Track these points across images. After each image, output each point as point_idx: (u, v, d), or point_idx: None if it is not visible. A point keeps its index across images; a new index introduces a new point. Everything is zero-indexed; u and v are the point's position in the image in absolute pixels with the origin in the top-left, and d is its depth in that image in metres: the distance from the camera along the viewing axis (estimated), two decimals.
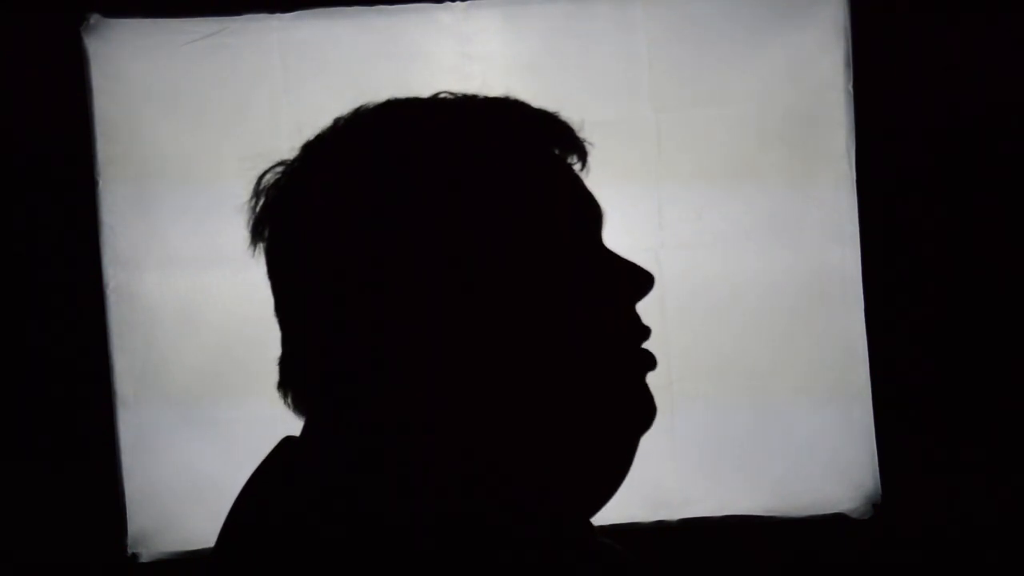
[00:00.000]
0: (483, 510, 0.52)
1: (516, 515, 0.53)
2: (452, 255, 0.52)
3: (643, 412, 0.57)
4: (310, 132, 0.59)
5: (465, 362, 0.52)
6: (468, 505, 0.52)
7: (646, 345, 0.58)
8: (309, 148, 0.58)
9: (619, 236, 0.63)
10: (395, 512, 0.50)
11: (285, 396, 0.57)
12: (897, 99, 1.76)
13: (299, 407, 0.57)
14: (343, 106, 0.59)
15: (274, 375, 0.58)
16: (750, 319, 1.75)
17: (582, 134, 0.60)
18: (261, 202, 0.58)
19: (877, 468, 1.75)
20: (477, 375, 0.52)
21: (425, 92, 0.59)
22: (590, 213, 0.59)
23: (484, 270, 0.53)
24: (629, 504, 1.66)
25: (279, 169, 0.58)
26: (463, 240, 0.53)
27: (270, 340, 0.59)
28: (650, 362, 0.57)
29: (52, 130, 1.71)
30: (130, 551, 1.71)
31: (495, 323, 0.52)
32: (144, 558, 1.72)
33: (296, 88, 1.72)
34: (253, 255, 0.58)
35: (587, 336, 0.54)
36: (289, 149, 0.59)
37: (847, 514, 1.76)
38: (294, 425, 0.58)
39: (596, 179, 0.62)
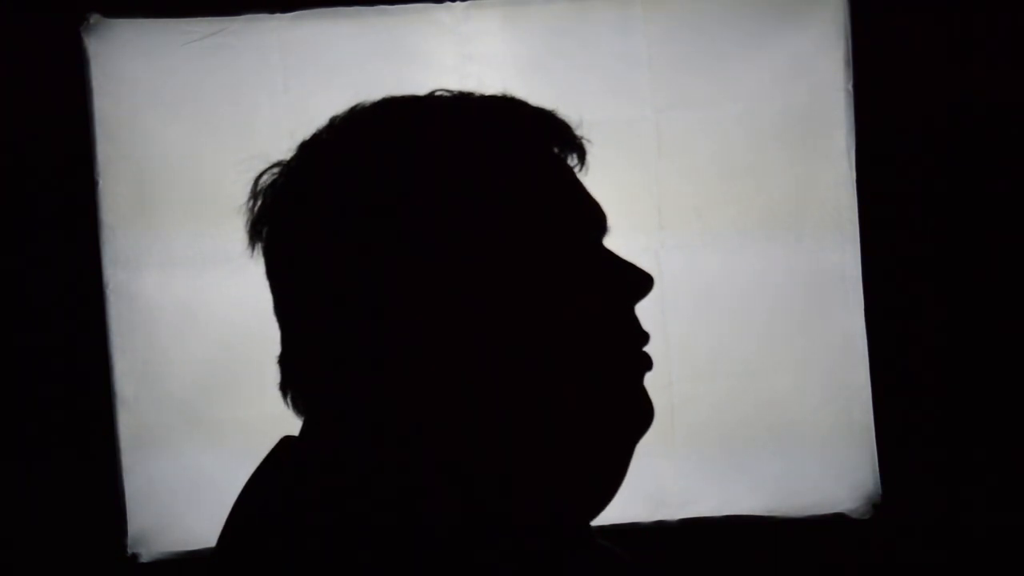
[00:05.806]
0: (481, 511, 0.52)
1: (514, 516, 0.53)
2: (448, 253, 0.52)
3: (640, 415, 0.56)
4: (309, 132, 0.59)
5: (462, 361, 0.52)
6: (465, 506, 0.52)
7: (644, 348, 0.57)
8: (305, 147, 0.58)
9: (619, 236, 0.63)
10: (393, 512, 0.50)
11: (285, 396, 0.57)
12: (897, 99, 1.76)
13: (298, 407, 0.57)
14: (343, 106, 0.59)
15: (274, 375, 0.58)
16: (750, 319, 1.75)
17: (580, 132, 0.60)
18: (259, 203, 0.58)
19: (877, 468, 1.75)
20: (474, 374, 0.52)
21: (424, 92, 0.59)
22: (588, 212, 0.59)
23: (480, 268, 0.52)
24: (629, 504, 1.67)
25: (276, 169, 0.58)
26: (459, 238, 0.52)
27: (270, 340, 0.59)
28: (646, 364, 0.56)
29: (52, 130, 1.71)
30: (130, 551, 1.71)
31: (491, 322, 0.52)
32: (144, 558, 1.72)
33: (296, 88, 1.71)
34: (252, 256, 0.58)
35: (583, 336, 0.54)
36: (289, 149, 0.59)
37: (847, 514, 1.75)
38: (294, 425, 0.58)
39: (596, 179, 0.62)
